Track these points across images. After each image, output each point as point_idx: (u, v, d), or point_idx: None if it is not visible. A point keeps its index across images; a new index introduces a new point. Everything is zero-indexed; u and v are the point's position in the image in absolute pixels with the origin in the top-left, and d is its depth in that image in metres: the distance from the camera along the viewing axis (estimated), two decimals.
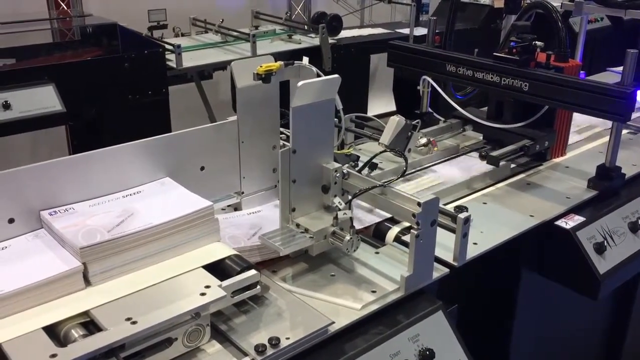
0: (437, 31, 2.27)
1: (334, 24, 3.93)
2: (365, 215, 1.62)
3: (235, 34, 3.67)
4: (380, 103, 4.68)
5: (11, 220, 1.23)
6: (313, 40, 3.78)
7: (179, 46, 3.15)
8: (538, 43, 1.88)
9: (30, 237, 1.24)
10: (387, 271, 1.38)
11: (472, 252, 1.45)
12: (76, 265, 1.14)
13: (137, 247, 1.20)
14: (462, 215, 1.37)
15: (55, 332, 1.04)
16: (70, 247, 1.17)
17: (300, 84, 1.29)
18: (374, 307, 1.27)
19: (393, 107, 4.29)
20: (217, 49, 3.64)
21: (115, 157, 1.34)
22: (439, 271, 1.38)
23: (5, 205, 1.22)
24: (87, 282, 1.16)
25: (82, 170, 1.30)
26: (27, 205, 1.24)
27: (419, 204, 1.26)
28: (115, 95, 2.89)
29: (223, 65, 3.56)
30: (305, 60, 1.48)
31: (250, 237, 1.43)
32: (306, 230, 1.36)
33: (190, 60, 3.31)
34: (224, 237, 1.35)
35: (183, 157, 1.45)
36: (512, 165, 1.93)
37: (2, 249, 1.20)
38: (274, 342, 1.13)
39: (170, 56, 3.17)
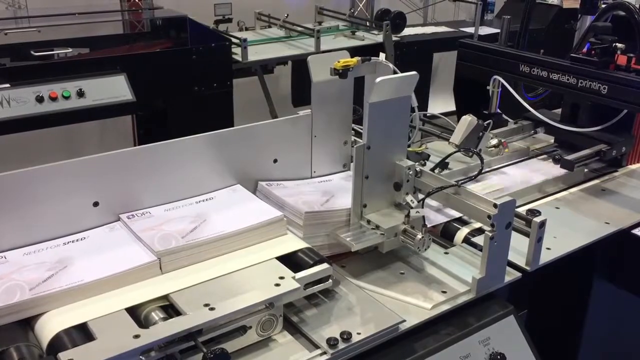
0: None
1: (398, 21, 3.90)
2: (432, 215, 1.61)
3: (299, 29, 3.69)
4: (440, 102, 4.61)
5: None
6: (376, 37, 3.76)
7: (245, 40, 3.19)
8: (619, 45, 1.82)
9: (229, 191, 1.45)
10: (457, 272, 1.36)
11: (545, 257, 1.42)
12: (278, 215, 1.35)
13: None
14: (538, 219, 1.35)
15: (136, 314, 1.08)
16: (290, 210, 1.38)
17: (378, 80, 1.28)
18: (444, 307, 1.26)
19: (453, 107, 4.22)
20: (279, 44, 3.65)
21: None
22: (510, 275, 1.36)
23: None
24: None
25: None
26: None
27: (495, 205, 1.24)
28: (182, 86, 2.94)
29: (285, 60, 3.58)
30: (382, 56, 1.47)
31: (324, 203, 1.43)
32: (377, 227, 1.36)
33: (255, 54, 3.34)
34: (297, 202, 1.39)
35: (258, 148, 1.47)
36: (585, 170, 1.87)
37: (209, 199, 1.41)
38: (346, 336, 1.13)
39: (236, 50, 3.21)
